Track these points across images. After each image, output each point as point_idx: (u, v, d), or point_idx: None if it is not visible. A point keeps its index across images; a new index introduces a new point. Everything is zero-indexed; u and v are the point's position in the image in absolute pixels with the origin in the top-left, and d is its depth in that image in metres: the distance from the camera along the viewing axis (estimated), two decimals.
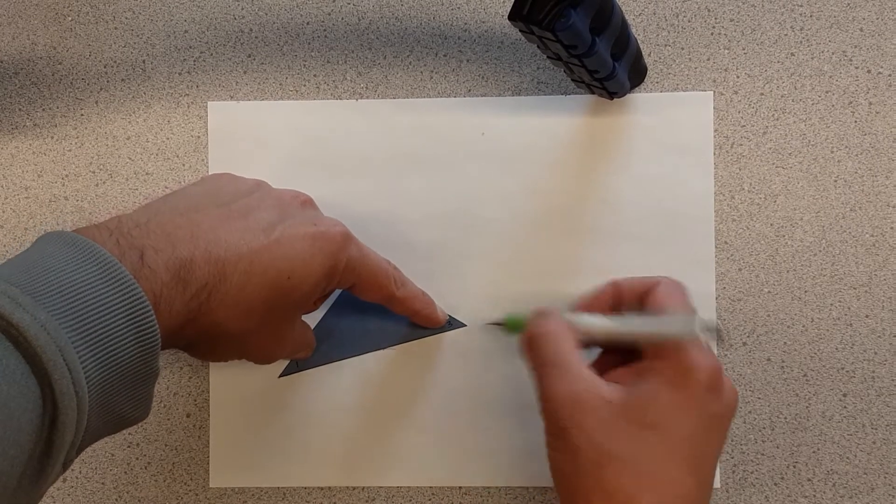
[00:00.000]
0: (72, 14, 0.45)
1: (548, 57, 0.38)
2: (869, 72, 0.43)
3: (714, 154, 0.43)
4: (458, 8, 0.44)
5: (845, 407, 0.42)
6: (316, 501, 0.44)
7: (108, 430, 0.30)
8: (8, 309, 0.25)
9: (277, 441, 0.43)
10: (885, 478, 0.42)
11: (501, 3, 0.44)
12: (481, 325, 0.43)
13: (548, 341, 0.36)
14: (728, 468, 0.43)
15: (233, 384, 0.44)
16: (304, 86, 0.45)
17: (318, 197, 0.40)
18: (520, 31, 0.35)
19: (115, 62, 0.45)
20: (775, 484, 0.43)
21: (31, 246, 0.30)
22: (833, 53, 0.43)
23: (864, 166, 0.43)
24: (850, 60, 0.43)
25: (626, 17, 0.39)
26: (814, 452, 0.42)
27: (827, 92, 0.43)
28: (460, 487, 0.43)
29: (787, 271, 0.43)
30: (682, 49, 0.44)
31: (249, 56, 0.45)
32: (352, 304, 0.43)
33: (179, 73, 0.45)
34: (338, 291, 0.43)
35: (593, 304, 0.38)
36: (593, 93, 0.42)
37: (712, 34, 0.43)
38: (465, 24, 0.44)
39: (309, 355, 0.42)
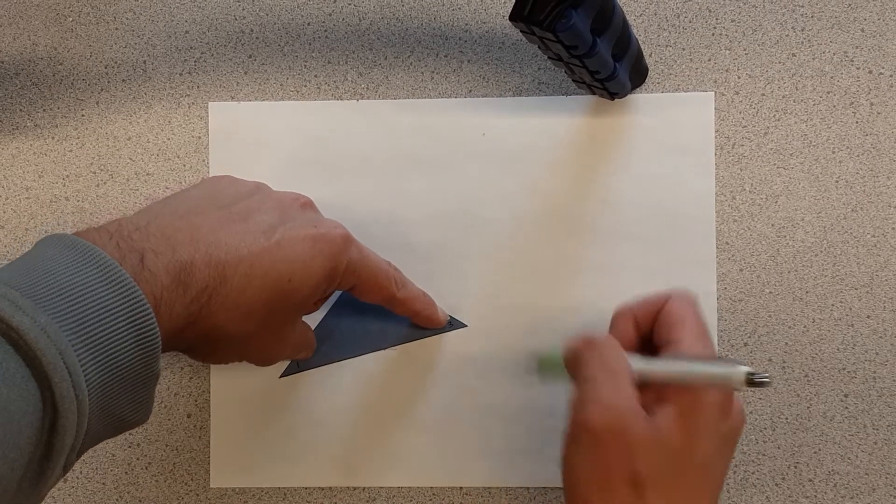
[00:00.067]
0: (73, 15, 0.45)
1: (549, 57, 0.38)
2: (870, 72, 0.43)
3: (715, 154, 0.43)
4: (459, 8, 0.44)
5: (846, 407, 0.42)
6: (316, 501, 0.44)
7: (108, 432, 0.30)
8: (8, 312, 0.25)
9: (278, 441, 0.43)
10: (886, 478, 0.42)
11: (502, 4, 0.44)
12: (529, 369, 0.43)
13: (604, 349, 0.35)
14: (729, 468, 0.43)
15: (233, 384, 0.44)
16: (305, 86, 0.45)
17: (318, 197, 0.40)
18: (521, 31, 0.35)
19: (115, 63, 0.45)
20: (776, 484, 0.42)
21: (31, 249, 0.30)
22: (834, 54, 0.43)
23: (865, 167, 0.43)
24: (852, 61, 0.43)
25: (627, 17, 0.39)
26: (815, 453, 0.42)
27: (828, 92, 0.43)
28: (460, 487, 0.43)
29: (789, 272, 0.43)
30: (684, 49, 0.43)
31: (250, 57, 0.45)
32: (352, 305, 0.43)
33: (180, 74, 0.45)
34: (338, 292, 0.43)
35: (623, 344, 0.36)
36: (594, 93, 0.42)
37: (713, 35, 0.43)
38: (466, 24, 0.44)
39: (310, 356, 0.42)
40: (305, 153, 0.44)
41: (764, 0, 0.43)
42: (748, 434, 0.43)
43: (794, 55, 0.43)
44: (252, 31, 0.45)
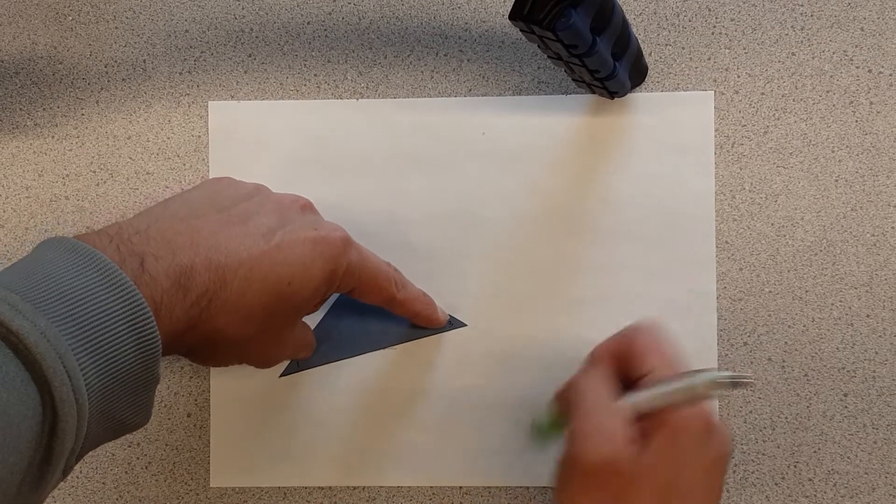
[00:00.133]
0: (72, 14, 0.45)
1: (548, 56, 0.38)
2: (870, 71, 0.43)
3: (715, 153, 0.43)
4: (459, 7, 0.44)
5: (846, 407, 0.42)
6: (316, 501, 0.44)
7: (108, 436, 0.30)
8: (8, 316, 0.25)
9: (278, 441, 0.44)
10: (885, 478, 0.42)
11: (502, 3, 0.44)
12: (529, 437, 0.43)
13: (590, 388, 0.35)
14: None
15: (233, 384, 0.44)
16: (305, 85, 0.45)
17: (318, 196, 0.40)
18: (520, 30, 0.35)
19: (115, 62, 0.45)
20: (776, 484, 0.43)
21: (31, 252, 0.30)
22: (834, 53, 0.43)
23: (864, 166, 0.43)
24: (851, 60, 0.43)
25: (627, 16, 0.39)
26: (815, 452, 0.42)
27: (828, 91, 0.43)
28: (460, 487, 0.43)
29: (788, 271, 0.43)
30: (683, 48, 0.43)
31: (250, 56, 0.45)
32: (352, 305, 0.43)
33: (180, 73, 0.45)
34: None
35: (606, 382, 0.36)
36: (594, 92, 0.42)
37: (713, 34, 0.43)
38: (466, 23, 0.44)
39: (309, 355, 0.42)
40: (305, 152, 0.44)
41: (763, 0, 0.43)
42: (748, 433, 0.43)
43: (793, 54, 0.43)
44: (252, 30, 0.45)
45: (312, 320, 0.43)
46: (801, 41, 0.43)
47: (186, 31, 0.45)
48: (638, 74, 0.42)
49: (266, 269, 0.33)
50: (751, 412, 0.43)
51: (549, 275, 0.43)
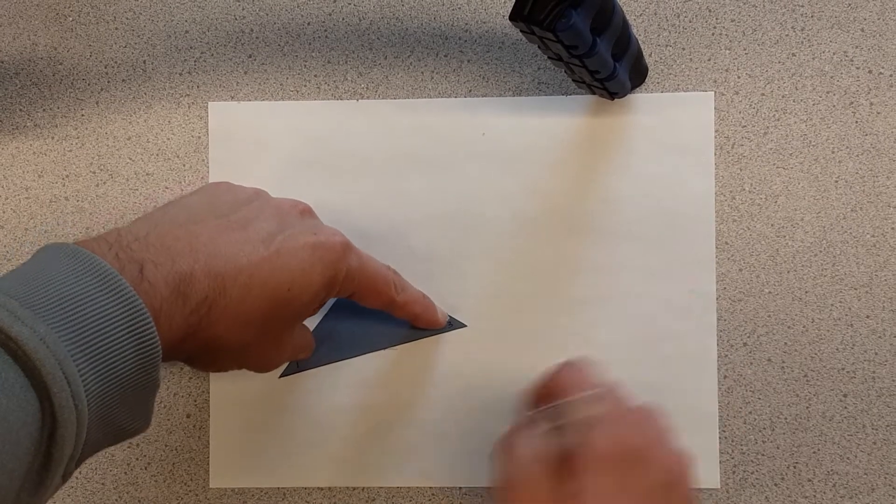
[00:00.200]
0: (72, 14, 0.45)
1: (548, 57, 0.38)
2: (870, 72, 0.43)
3: (715, 154, 0.43)
4: (459, 8, 0.44)
5: (846, 407, 0.43)
6: (316, 501, 0.44)
7: (107, 441, 0.29)
8: (7, 322, 0.25)
9: (277, 441, 0.44)
10: (885, 478, 0.42)
11: (502, 4, 0.44)
12: None
13: (509, 439, 0.34)
14: (728, 468, 0.43)
15: (233, 385, 0.44)
16: (305, 86, 0.45)
17: (318, 197, 0.40)
18: (520, 31, 0.35)
19: (115, 62, 0.45)
20: (775, 484, 0.43)
21: (30, 258, 0.30)
22: (834, 54, 0.43)
23: (864, 167, 0.43)
24: (852, 61, 0.43)
25: (627, 17, 0.39)
26: (814, 453, 0.42)
27: (828, 92, 0.43)
28: (460, 487, 0.43)
29: (788, 272, 0.43)
30: (683, 49, 0.43)
31: (250, 56, 0.45)
32: (352, 306, 0.43)
33: (180, 74, 0.45)
34: None
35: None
36: (594, 93, 0.42)
37: (713, 34, 0.43)
38: (466, 24, 0.44)
39: (309, 356, 0.42)
40: (305, 153, 0.44)
41: (764, 0, 0.43)
42: (747, 434, 0.43)
43: (793, 55, 0.43)
44: (252, 31, 0.45)
45: (312, 321, 0.43)
46: (802, 42, 0.43)
47: (186, 31, 0.45)
48: (638, 75, 0.42)
49: (265, 275, 0.33)
50: (750, 413, 0.43)
51: (550, 275, 0.43)
